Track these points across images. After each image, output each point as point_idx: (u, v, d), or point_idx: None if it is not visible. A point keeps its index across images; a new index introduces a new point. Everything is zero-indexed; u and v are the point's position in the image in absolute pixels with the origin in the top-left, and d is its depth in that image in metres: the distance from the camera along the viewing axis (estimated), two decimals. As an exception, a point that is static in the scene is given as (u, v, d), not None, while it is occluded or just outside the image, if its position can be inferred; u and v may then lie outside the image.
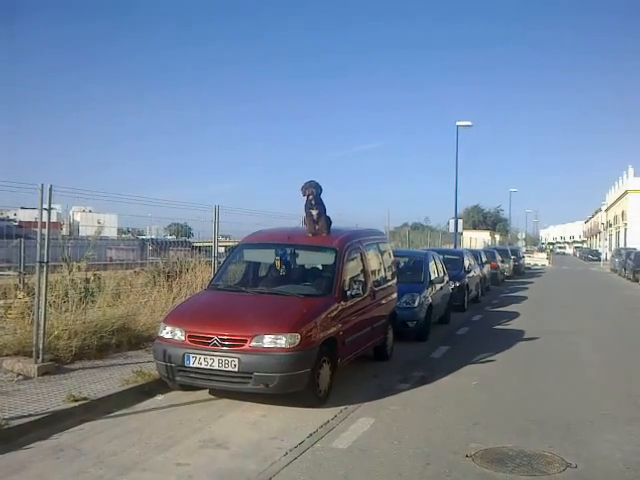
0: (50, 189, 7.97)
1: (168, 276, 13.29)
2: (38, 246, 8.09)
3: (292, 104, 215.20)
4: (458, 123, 33.22)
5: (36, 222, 8.51)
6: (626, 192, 70.98)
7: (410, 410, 7.48)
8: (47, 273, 8.14)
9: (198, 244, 18.42)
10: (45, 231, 8.04)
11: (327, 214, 9.16)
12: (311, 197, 8.95)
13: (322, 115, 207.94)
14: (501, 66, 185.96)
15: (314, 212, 9.01)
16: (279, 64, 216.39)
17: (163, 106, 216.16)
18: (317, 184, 9.05)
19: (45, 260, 8.04)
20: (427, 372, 9.48)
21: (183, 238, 20.82)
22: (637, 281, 33.24)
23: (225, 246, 14.87)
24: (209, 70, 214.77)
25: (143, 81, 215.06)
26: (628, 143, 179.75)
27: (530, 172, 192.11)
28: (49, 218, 8.11)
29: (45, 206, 8.03)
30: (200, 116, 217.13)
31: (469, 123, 33.39)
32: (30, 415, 6.31)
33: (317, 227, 9.05)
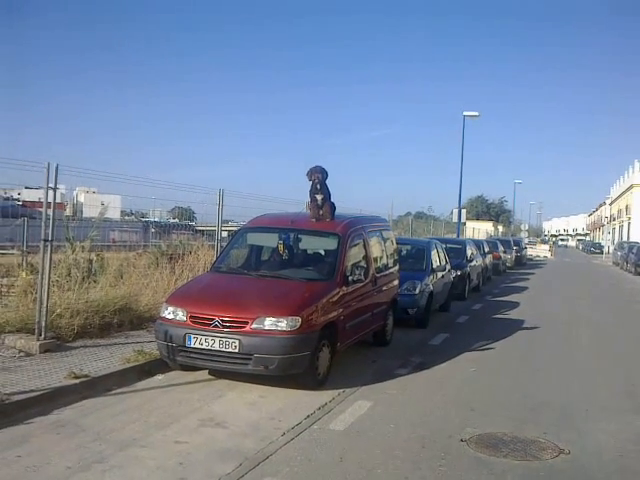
0: (56, 168, 8.01)
1: (171, 258, 13.36)
2: (43, 225, 8.14)
3: (302, 93, 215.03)
4: (465, 113, 33.18)
5: (40, 202, 8.55)
6: (631, 186, 70.79)
7: (407, 395, 7.55)
8: (51, 251, 8.20)
9: (201, 228, 18.49)
10: (50, 210, 8.09)
11: (331, 200, 9.19)
12: (317, 182, 8.98)
13: (331, 104, 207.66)
14: (510, 61, 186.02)
15: (319, 197, 9.03)
16: (288, 54, 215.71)
17: (171, 93, 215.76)
18: (323, 169, 9.08)
19: (50, 239, 8.09)
20: (426, 358, 9.54)
21: (186, 221, 20.89)
22: (639, 275, 33.27)
23: (228, 230, 14.92)
24: (218, 57, 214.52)
25: (150, 68, 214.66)
26: (634, 138, 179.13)
27: (535, 165, 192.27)
28: (54, 197, 8.17)
29: (51, 185, 8.07)
30: (208, 103, 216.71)
31: (476, 113, 33.37)
32: (31, 391, 6.39)
33: (321, 212, 9.07)
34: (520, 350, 10.79)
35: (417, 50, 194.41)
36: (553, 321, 14.55)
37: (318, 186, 9.01)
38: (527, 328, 13.16)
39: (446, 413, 6.84)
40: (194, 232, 18.10)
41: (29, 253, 13.14)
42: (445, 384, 8.15)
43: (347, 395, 7.32)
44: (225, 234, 13.87)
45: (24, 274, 10.97)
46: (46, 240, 8.12)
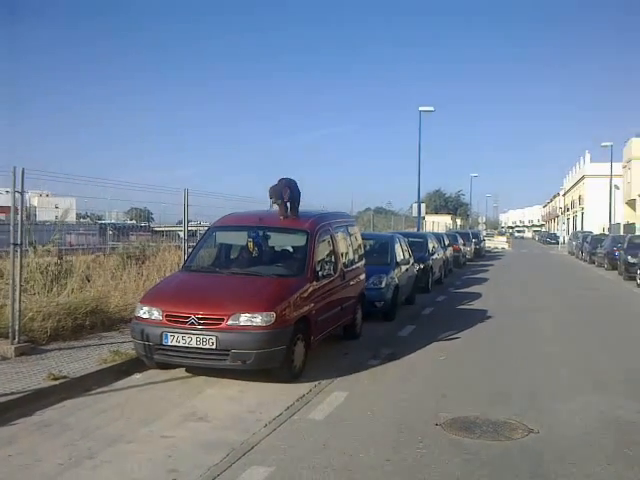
0: (22, 172, 8.01)
1: (137, 260, 13.38)
2: (11, 229, 8.15)
3: (262, 94, 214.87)
4: (421, 108, 33.71)
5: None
6: (583, 177, 72.70)
7: (381, 384, 7.79)
8: (21, 255, 8.21)
9: (160, 229, 18.31)
10: (19, 214, 8.10)
11: (299, 197, 9.39)
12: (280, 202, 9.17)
13: (289, 104, 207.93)
14: (465, 57, 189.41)
15: (285, 196, 9.21)
16: (251, 59, 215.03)
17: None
18: (280, 191, 9.10)
19: (19, 242, 8.10)
20: (395, 349, 9.80)
21: (144, 223, 20.74)
22: (593, 263, 34.28)
23: (189, 230, 14.90)
24: (183, 63, 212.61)
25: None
26: (586, 129, 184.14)
27: (491, 158, 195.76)
28: (22, 201, 8.17)
29: (18, 189, 8.07)
30: (169, 103, 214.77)
31: (431, 108, 33.93)
32: (12, 393, 6.43)
33: (288, 210, 9.26)
34: (485, 338, 11.15)
35: (381, 50, 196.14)
36: (515, 310, 15.02)
37: (286, 201, 9.17)
38: (490, 317, 13.56)
39: (419, 400, 7.10)
40: (152, 233, 17.97)
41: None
42: (416, 373, 8.43)
43: (323, 387, 7.53)
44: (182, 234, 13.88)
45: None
46: (16, 244, 8.13)
